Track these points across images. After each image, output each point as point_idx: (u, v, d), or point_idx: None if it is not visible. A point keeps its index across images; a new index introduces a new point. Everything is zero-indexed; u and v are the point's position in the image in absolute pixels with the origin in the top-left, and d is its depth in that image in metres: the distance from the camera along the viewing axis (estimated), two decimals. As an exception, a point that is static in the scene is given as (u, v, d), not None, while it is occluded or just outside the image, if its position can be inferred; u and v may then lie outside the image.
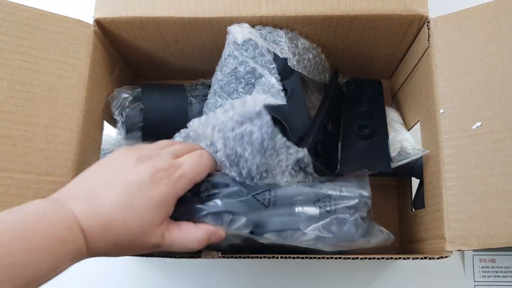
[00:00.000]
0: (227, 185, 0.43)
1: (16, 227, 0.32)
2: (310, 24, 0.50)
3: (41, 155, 0.45)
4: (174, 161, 0.39)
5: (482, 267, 0.61)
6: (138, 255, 0.44)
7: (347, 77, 0.61)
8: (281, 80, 0.50)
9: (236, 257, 0.47)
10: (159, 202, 0.37)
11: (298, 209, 0.44)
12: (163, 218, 0.38)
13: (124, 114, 0.53)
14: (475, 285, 0.61)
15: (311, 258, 0.46)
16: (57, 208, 0.35)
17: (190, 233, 0.39)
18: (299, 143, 0.49)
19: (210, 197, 0.42)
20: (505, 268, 0.61)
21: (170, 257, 0.47)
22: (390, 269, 0.62)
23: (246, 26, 0.48)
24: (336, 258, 0.47)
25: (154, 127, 0.53)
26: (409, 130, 0.56)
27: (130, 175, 0.37)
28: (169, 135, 0.50)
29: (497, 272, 0.61)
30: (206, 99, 0.53)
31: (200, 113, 0.54)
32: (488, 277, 0.61)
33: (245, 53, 0.48)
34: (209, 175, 0.43)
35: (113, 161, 0.39)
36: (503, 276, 0.61)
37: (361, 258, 0.46)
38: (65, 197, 0.36)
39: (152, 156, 0.39)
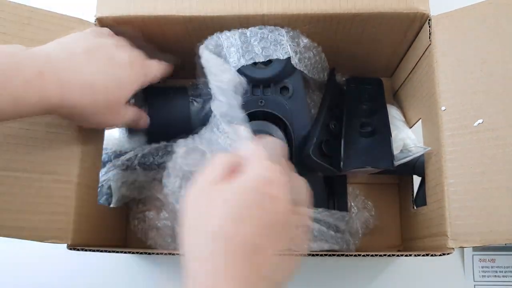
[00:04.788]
0: None
1: None
2: (311, 22, 0.50)
3: (43, 154, 0.45)
4: (147, 60, 0.47)
5: (482, 267, 0.61)
6: (135, 253, 0.44)
7: (347, 76, 0.61)
8: (283, 79, 0.50)
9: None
10: (133, 81, 0.44)
11: None
12: (129, 97, 0.44)
13: None
14: (475, 285, 0.61)
15: (312, 255, 0.46)
16: (32, 55, 0.38)
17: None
18: (303, 144, 0.49)
19: None
20: (505, 268, 0.61)
21: (172, 254, 0.47)
22: (390, 269, 0.62)
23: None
24: (338, 255, 0.47)
25: (159, 132, 0.53)
26: (410, 127, 0.56)
27: (115, 54, 0.43)
28: (173, 136, 0.51)
29: (496, 272, 0.61)
30: (207, 99, 0.53)
31: (200, 113, 0.54)
32: (488, 277, 0.61)
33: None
34: None
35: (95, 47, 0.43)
36: (503, 276, 0.61)
37: (363, 255, 0.46)
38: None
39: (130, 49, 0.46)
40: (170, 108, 0.52)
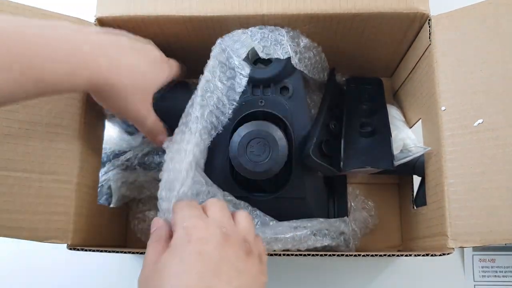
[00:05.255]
0: None
1: (44, 31, 0.38)
2: (311, 22, 0.50)
3: (43, 154, 0.45)
4: (169, 59, 0.51)
5: (482, 267, 0.61)
6: (135, 253, 0.43)
7: (346, 76, 0.61)
8: (283, 78, 0.50)
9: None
10: (163, 74, 0.48)
11: None
12: (158, 87, 0.47)
13: None
14: (475, 285, 0.61)
15: (312, 255, 0.46)
16: (86, 33, 0.41)
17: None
18: (303, 144, 0.49)
19: None
20: (505, 268, 0.61)
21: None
22: (390, 269, 0.62)
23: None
24: (338, 255, 0.47)
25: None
26: (410, 127, 0.56)
27: (149, 50, 0.48)
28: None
29: (496, 272, 0.61)
30: None
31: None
32: (488, 277, 0.61)
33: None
34: None
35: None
36: (503, 276, 0.61)
37: (363, 255, 0.46)
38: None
39: None
40: (173, 101, 0.52)
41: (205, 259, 0.33)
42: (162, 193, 0.42)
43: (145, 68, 0.45)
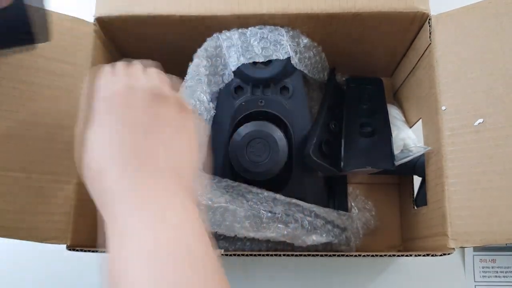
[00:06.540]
0: None
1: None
2: (311, 22, 0.50)
3: (43, 154, 0.45)
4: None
5: (483, 267, 0.61)
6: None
7: (346, 75, 0.61)
8: (283, 78, 0.50)
9: (237, 255, 0.47)
10: None
11: None
12: None
13: None
14: (475, 285, 0.61)
15: (313, 255, 0.46)
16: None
17: None
18: (303, 144, 0.49)
19: None
20: (505, 268, 0.61)
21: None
22: (390, 269, 0.62)
23: None
24: (338, 255, 0.47)
25: None
26: (411, 127, 0.56)
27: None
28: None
29: (497, 272, 0.61)
30: None
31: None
32: (489, 277, 0.61)
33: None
34: None
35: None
36: (503, 276, 0.61)
37: (363, 255, 0.46)
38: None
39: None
40: None
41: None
42: None
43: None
